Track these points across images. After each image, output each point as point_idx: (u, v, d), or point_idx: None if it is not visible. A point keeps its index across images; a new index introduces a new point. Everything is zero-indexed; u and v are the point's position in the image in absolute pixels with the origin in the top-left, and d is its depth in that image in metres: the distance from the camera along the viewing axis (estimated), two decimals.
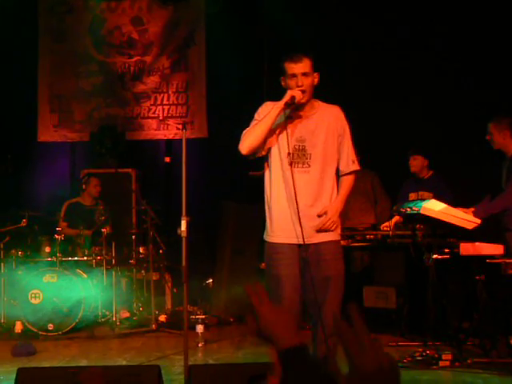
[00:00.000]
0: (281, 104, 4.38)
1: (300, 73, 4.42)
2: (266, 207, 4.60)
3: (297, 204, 4.36)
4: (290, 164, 4.44)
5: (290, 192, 4.44)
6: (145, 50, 10.50)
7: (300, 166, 4.45)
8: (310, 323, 4.64)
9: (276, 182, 4.51)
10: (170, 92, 10.47)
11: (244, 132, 4.51)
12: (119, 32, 10.52)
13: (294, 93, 4.38)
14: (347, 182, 4.63)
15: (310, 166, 4.46)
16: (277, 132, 4.48)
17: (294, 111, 4.48)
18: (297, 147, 4.47)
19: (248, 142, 4.44)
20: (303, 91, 4.40)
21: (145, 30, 10.50)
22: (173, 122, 10.39)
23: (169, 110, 10.45)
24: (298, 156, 4.46)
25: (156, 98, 10.49)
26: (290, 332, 1.36)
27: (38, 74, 10.53)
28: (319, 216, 4.47)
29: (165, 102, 10.47)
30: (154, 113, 10.46)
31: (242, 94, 9.38)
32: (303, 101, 4.44)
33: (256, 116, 4.55)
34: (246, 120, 4.61)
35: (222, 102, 9.97)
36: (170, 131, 10.41)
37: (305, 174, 4.44)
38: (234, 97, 9.56)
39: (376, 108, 8.78)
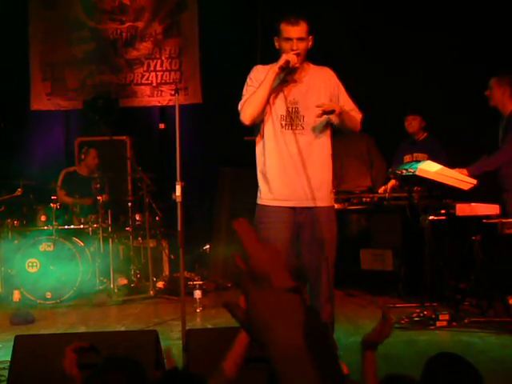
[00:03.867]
0: (276, 68, 4.33)
1: (296, 37, 4.36)
2: (259, 172, 4.56)
3: (290, 166, 4.34)
4: (284, 126, 4.41)
5: (282, 155, 4.40)
6: (136, 16, 10.38)
7: (294, 128, 4.42)
8: (307, 287, 4.63)
9: (270, 146, 4.47)
10: (163, 58, 10.37)
11: (242, 102, 4.45)
12: None
13: (288, 57, 4.32)
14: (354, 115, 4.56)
15: (303, 128, 4.43)
16: (271, 96, 4.43)
17: (286, 74, 4.44)
18: (290, 109, 4.43)
19: (250, 110, 4.39)
20: (297, 55, 4.36)
21: None
22: (166, 88, 10.32)
23: (162, 76, 10.37)
24: (292, 118, 4.42)
25: (149, 65, 10.39)
26: (285, 273, 1.25)
27: (29, 41, 10.43)
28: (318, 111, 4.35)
29: (158, 68, 10.38)
30: (147, 79, 10.38)
31: (235, 58, 9.29)
32: (297, 65, 4.39)
33: (249, 82, 4.50)
34: (241, 84, 4.56)
35: (215, 66, 9.89)
36: (164, 97, 10.34)
37: (299, 136, 4.41)
38: (228, 61, 9.48)
39: (370, 70, 8.72)
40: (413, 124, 7.75)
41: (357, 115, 4.56)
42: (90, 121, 9.91)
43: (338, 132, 4.79)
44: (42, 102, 10.41)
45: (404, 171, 6.13)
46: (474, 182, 5.92)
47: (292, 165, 4.38)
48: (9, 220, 8.28)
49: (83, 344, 2.71)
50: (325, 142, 4.53)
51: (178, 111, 5.14)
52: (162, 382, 2.07)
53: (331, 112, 4.33)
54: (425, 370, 2.49)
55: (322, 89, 4.49)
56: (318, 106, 4.33)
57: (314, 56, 4.59)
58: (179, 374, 2.03)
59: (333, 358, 1.36)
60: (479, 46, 8.53)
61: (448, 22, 8.80)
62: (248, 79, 4.52)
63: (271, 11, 8.37)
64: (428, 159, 6.69)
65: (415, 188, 6.66)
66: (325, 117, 4.41)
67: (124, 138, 9.74)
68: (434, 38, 8.82)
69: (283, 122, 4.41)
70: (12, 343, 3.97)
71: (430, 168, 5.90)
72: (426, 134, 7.79)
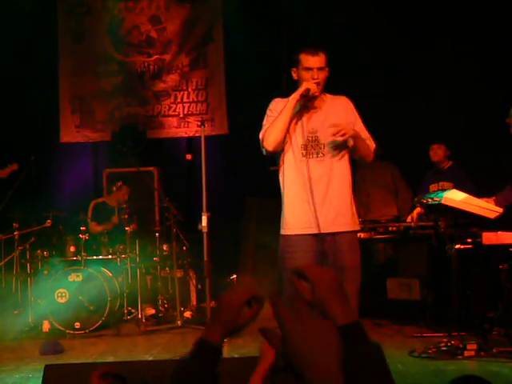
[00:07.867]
0: (297, 95, 4.41)
1: (316, 67, 4.44)
2: (282, 201, 4.61)
3: (312, 193, 4.37)
4: (305, 155, 4.46)
5: (304, 183, 4.44)
6: (164, 49, 10.55)
7: (315, 156, 4.47)
8: None
9: (289, 175, 4.52)
10: (189, 90, 10.51)
11: (263, 132, 4.53)
12: (138, 31, 10.59)
13: (309, 85, 4.40)
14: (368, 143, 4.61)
15: (324, 155, 4.47)
16: (290, 126, 4.50)
17: (304, 104, 4.50)
18: (310, 138, 4.48)
19: (272, 137, 4.45)
20: (317, 84, 4.43)
21: (163, 29, 10.55)
22: (193, 119, 10.43)
23: (189, 107, 10.49)
24: (312, 147, 4.47)
25: (176, 96, 10.53)
26: (346, 306, 1.25)
27: (58, 74, 10.63)
28: (333, 130, 4.40)
29: (185, 99, 10.51)
30: (174, 111, 10.51)
31: (261, 89, 9.37)
32: (317, 94, 4.46)
33: (269, 113, 4.58)
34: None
35: (241, 97, 9.98)
36: (191, 128, 10.45)
37: (319, 164, 4.45)
38: (254, 92, 9.55)
39: (395, 99, 8.76)
40: (438, 153, 7.77)
41: (370, 144, 4.60)
42: (117, 152, 10.03)
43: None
44: (71, 134, 10.58)
45: (430, 200, 6.14)
46: (500, 210, 5.90)
47: (313, 192, 4.42)
48: (39, 251, 8.38)
49: (109, 369, 2.71)
50: (345, 167, 4.57)
51: (204, 142, 5.23)
52: None
53: (342, 135, 4.37)
54: None
55: (340, 116, 4.54)
56: (332, 126, 4.38)
57: (336, 85, 4.65)
58: None
59: None
60: (505, 75, 8.53)
61: (474, 51, 8.82)
62: (268, 111, 4.61)
63: (296, 42, 8.45)
64: (453, 188, 6.68)
65: (441, 217, 6.66)
66: (342, 140, 4.45)
67: (151, 168, 9.85)
68: (459, 67, 8.84)
69: (304, 151, 4.46)
70: (42, 373, 4.01)
71: (455, 197, 5.90)
72: (450, 163, 7.81)
